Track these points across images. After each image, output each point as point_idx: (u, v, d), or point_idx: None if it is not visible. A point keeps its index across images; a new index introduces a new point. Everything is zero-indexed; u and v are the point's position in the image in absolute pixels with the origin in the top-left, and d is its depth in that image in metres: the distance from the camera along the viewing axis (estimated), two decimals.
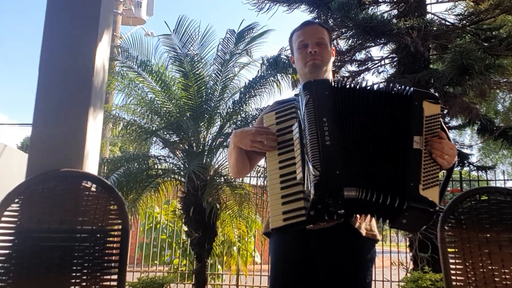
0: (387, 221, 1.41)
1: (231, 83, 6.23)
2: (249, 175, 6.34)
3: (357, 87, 1.50)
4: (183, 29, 5.87)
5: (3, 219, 1.66)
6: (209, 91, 6.06)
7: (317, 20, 6.30)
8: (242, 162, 1.77)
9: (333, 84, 1.49)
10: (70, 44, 2.01)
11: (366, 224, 1.66)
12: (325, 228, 1.55)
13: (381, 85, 1.51)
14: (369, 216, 1.52)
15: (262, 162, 5.97)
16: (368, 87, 1.49)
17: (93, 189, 1.78)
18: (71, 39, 2.02)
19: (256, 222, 6.64)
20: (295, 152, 1.46)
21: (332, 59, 1.83)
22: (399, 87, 1.50)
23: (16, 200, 1.70)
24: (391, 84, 1.53)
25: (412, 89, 1.48)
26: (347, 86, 1.49)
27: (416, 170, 1.37)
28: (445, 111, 5.84)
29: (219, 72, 6.09)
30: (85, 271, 1.68)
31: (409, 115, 1.44)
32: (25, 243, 1.67)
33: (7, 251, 1.65)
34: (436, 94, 1.53)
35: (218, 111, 6.15)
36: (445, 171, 1.52)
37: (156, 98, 6.24)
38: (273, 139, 1.52)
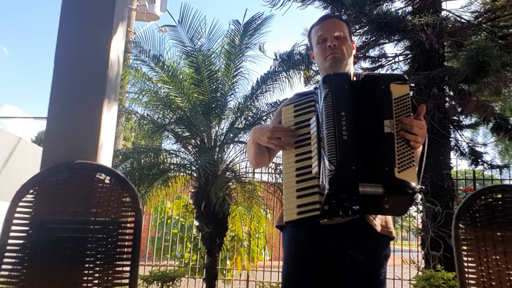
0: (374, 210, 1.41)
1: (240, 77, 6.21)
2: (260, 170, 6.34)
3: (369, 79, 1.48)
4: (189, 21, 5.81)
5: (18, 209, 1.68)
6: (220, 86, 6.05)
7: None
8: (261, 155, 1.78)
9: (353, 77, 1.47)
10: (85, 37, 2.02)
11: (382, 221, 1.64)
12: (339, 223, 1.54)
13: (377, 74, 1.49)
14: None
15: (274, 159, 6.00)
16: (370, 77, 1.48)
17: (106, 181, 1.79)
18: (86, 32, 2.03)
19: (264, 218, 6.63)
20: (312, 146, 1.45)
21: (353, 52, 1.80)
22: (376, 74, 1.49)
23: (31, 191, 1.72)
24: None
25: (378, 74, 1.46)
26: (363, 79, 1.47)
27: (389, 154, 1.35)
28: (460, 109, 5.77)
29: (227, 66, 6.08)
30: (98, 262, 1.69)
31: (378, 100, 1.42)
32: (39, 234, 1.69)
33: (22, 242, 1.67)
34: (405, 76, 1.50)
35: (229, 106, 6.16)
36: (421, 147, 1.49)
37: (168, 92, 6.25)
38: (291, 136, 1.51)
